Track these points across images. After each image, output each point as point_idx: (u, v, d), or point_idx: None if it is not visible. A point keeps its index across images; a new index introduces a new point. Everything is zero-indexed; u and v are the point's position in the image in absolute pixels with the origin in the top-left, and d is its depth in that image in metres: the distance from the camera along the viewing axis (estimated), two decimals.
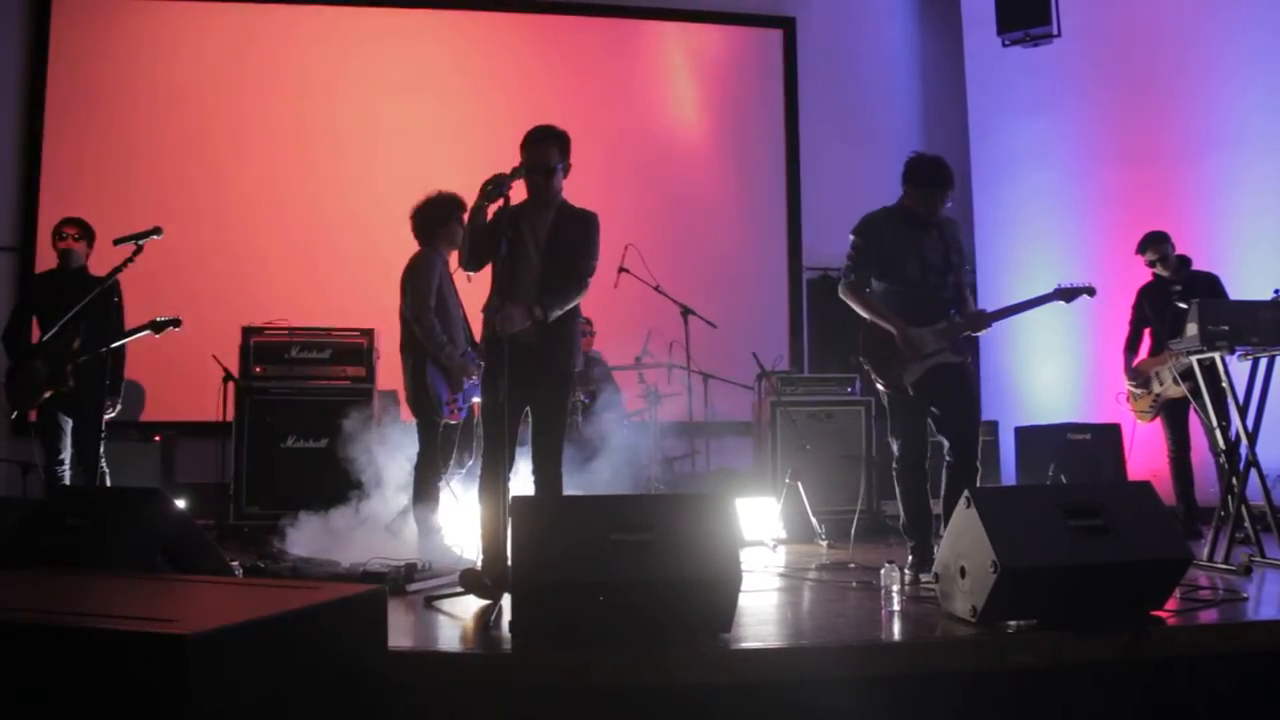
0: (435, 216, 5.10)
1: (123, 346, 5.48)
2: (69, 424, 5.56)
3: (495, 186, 3.99)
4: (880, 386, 4.72)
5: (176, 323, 5.10)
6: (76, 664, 1.78)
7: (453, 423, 5.10)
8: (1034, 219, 8.38)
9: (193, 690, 1.73)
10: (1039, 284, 8.17)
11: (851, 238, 4.75)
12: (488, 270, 4.24)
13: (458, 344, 5.06)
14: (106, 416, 5.39)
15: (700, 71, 8.99)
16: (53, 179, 7.89)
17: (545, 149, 4.26)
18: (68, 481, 5.52)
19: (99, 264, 5.59)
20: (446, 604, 3.84)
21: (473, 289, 4.71)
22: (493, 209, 4.05)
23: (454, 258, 5.03)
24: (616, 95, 8.74)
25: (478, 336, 4.66)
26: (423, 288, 4.97)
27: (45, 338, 5.34)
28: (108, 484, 5.45)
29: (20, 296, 5.57)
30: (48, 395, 5.37)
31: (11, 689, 1.81)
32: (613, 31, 8.93)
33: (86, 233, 5.70)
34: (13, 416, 5.52)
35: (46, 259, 6.11)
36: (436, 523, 5.01)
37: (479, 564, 4.07)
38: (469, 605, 3.62)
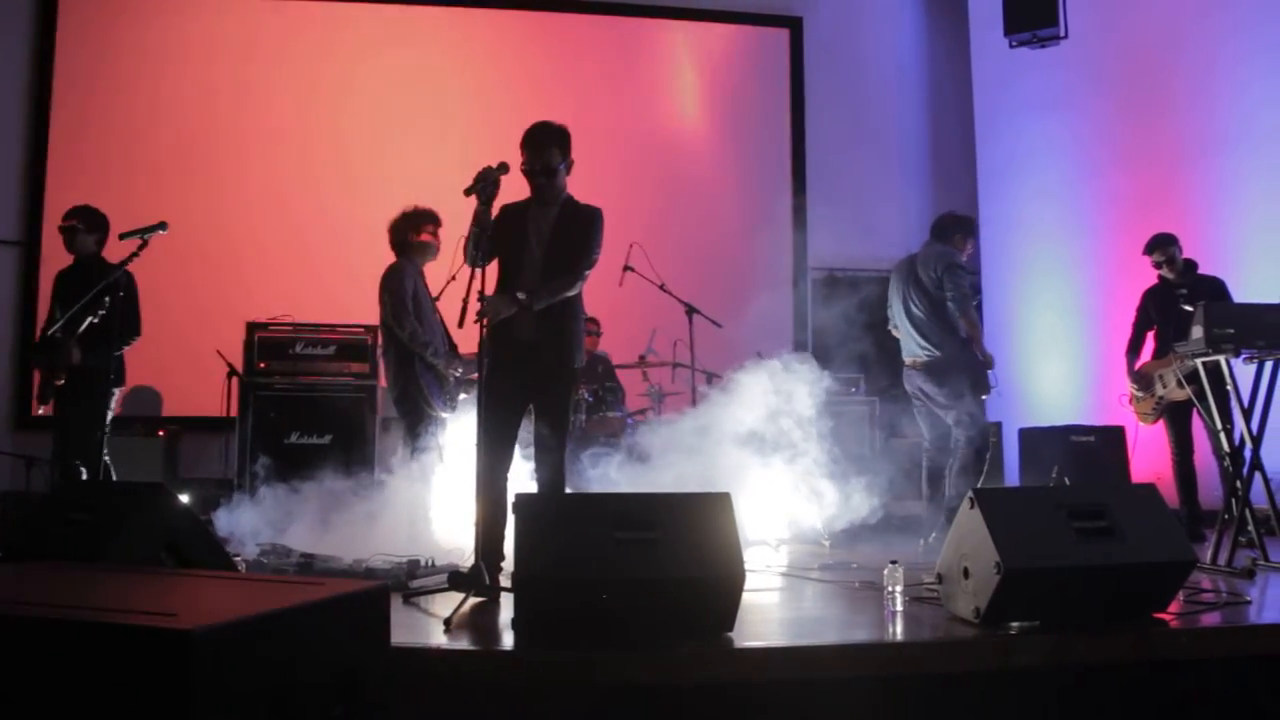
0: (407, 229, 5.50)
1: (133, 337, 5.47)
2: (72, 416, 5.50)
3: (482, 186, 3.98)
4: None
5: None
6: (79, 658, 1.78)
7: (446, 415, 5.35)
8: (1040, 219, 8.36)
9: (195, 685, 1.73)
10: (1043, 283, 8.26)
11: (963, 270, 5.88)
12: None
13: (436, 347, 5.33)
14: (113, 407, 5.37)
15: (707, 70, 8.98)
16: (59, 174, 7.91)
17: (546, 150, 4.26)
18: (84, 475, 5.50)
19: (111, 257, 5.55)
20: (434, 602, 3.79)
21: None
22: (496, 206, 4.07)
23: (428, 267, 5.51)
24: (622, 94, 8.74)
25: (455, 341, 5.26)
26: (399, 295, 5.28)
27: (52, 330, 5.31)
28: (112, 477, 5.44)
29: (53, 293, 5.59)
30: (59, 384, 5.32)
31: (14, 682, 1.81)
32: (619, 30, 8.93)
33: (92, 221, 5.57)
34: (38, 411, 5.58)
35: (52, 254, 6.06)
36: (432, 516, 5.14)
37: (470, 562, 4.02)
38: (453, 603, 3.57)
